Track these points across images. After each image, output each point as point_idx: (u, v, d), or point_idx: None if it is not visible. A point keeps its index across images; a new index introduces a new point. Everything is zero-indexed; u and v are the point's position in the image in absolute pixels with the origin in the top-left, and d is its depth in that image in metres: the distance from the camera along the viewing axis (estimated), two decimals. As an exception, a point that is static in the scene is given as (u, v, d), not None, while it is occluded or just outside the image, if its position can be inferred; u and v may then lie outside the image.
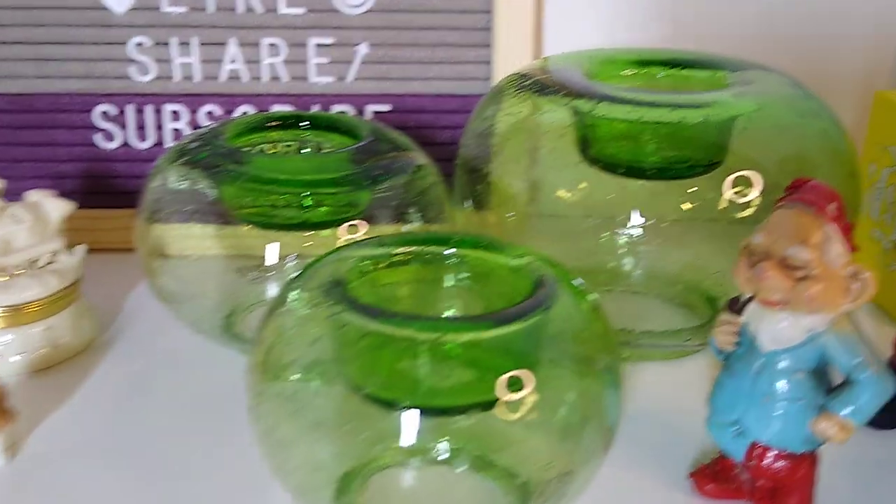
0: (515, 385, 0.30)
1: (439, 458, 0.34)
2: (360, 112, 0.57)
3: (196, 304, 0.45)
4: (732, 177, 0.41)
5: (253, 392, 0.31)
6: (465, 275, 0.35)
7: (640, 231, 0.45)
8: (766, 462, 0.34)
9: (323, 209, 0.44)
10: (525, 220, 0.47)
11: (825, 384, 0.33)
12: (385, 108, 0.57)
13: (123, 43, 0.55)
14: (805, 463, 0.34)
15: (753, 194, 0.41)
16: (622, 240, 0.46)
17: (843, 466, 0.38)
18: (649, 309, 0.49)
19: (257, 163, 0.43)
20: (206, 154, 0.43)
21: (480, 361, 0.31)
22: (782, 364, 0.33)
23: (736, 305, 0.34)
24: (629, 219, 0.45)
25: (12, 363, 0.43)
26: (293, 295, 0.31)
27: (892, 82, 0.63)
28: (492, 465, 0.35)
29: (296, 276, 0.32)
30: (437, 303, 0.35)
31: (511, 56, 0.56)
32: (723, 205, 0.41)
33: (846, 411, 0.32)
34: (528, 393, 0.30)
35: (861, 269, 0.31)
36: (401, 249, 0.34)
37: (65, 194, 0.52)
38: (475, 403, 0.31)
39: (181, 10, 0.55)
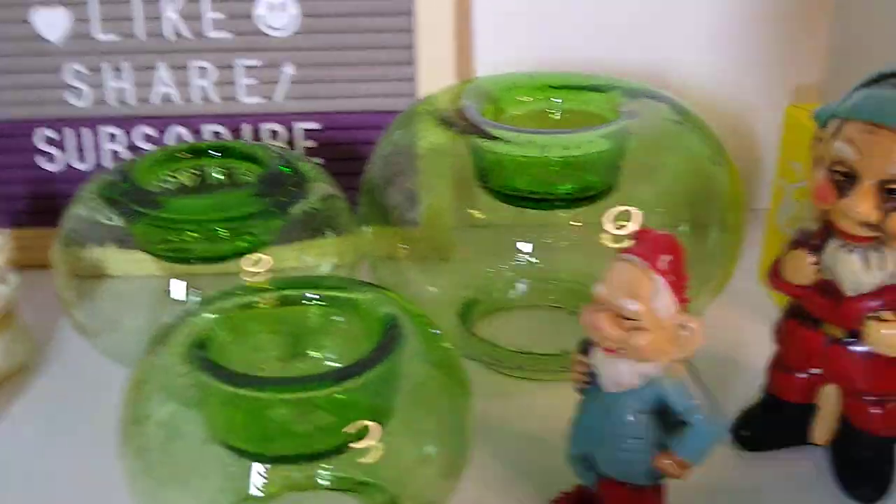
0: (363, 431, 0.33)
1: (318, 489, 0.37)
2: (290, 130, 0.59)
3: (119, 333, 0.48)
4: (611, 211, 0.43)
5: (119, 438, 0.33)
6: (331, 315, 0.37)
7: (532, 257, 0.47)
8: (614, 493, 0.36)
9: (232, 243, 0.46)
10: (425, 243, 0.49)
11: (666, 423, 0.35)
12: (314, 125, 0.59)
13: (59, 70, 0.57)
14: (649, 494, 0.36)
15: (632, 226, 0.43)
16: (520, 263, 0.48)
17: (704, 493, 0.40)
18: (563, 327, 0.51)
19: (166, 203, 0.45)
20: (117, 193, 0.45)
21: (334, 411, 0.33)
22: (625, 405, 0.35)
23: (587, 347, 0.36)
24: (522, 245, 0.47)
25: (-54, 388, 0.47)
26: (159, 351, 0.34)
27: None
28: (364, 488, 0.37)
29: (163, 331, 0.35)
30: (307, 344, 0.38)
31: (434, 73, 0.58)
32: (605, 238, 0.43)
33: (681, 451, 0.34)
34: (373, 439, 0.33)
35: (689, 320, 0.33)
36: (266, 296, 0.37)
37: (12, 215, 0.55)
38: (328, 450, 0.33)
39: (112, 37, 0.57)
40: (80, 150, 0.59)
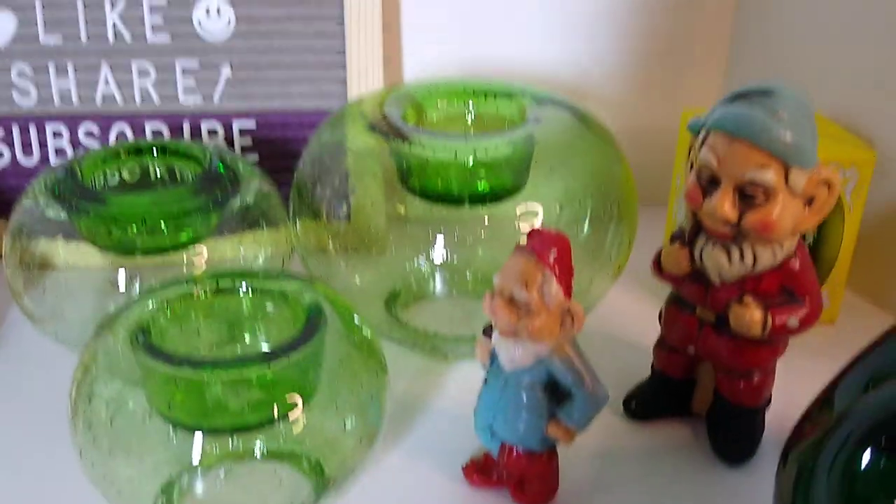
0: (290, 405, 0.37)
1: (255, 457, 0.41)
2: (228, 128, 0.63)
3: (67, 320, 0.51)
4: (519, 210, 0.48)
5: (69, 414, 0.37)
6: (262, 303, 0.42)
7: (450, 250, 0.52)
8: (512, 458, 0.41)
9: (172, 236, 0.50)
10: (353, 237, 0.53)
11: (556, 396, 0.40)
12: (250, 124, 0.63)
13: (7, 70, 0.60)
14: (543, 458, 0.41)
15: (538, 222, 0.48)
16: (436, 256, 0.53)
17: (592, 455, 0.45)
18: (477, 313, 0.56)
19: (109, 200, 0.48)
20: (62, 189, 0.49)
21: (264, 388, 0.38)
22: (520, 380, 0.40)
23: (490, 330, 0.41)
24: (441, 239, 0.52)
25: None
26: (105, 335, 0.38)
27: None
28: (291, 457, 0.42)
29: (108, 318, 0.39)
30: (241, 329, 0.42)
31: (364, 76, 0.62)
32: (516, 232, 0.48)
33: (567, 419, 0.40)
34: (298, 413, 0.37)
35: (573, 306, 0.38)
36: (203, 286, 0.41)
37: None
38: (260, 422, 0.38)
39: (56, 39, 0.60)
40: (27, 146, 0.62)
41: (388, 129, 0.49)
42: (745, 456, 0.45)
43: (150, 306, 0.39)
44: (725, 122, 0.39)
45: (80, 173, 0.50)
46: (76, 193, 0.49)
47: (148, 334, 0.37)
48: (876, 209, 0.57)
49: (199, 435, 0.37)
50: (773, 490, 0.32)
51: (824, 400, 0.33)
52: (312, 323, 0.38)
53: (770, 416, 0.46)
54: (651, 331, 0.48)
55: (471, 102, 0.53)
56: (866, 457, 0.28)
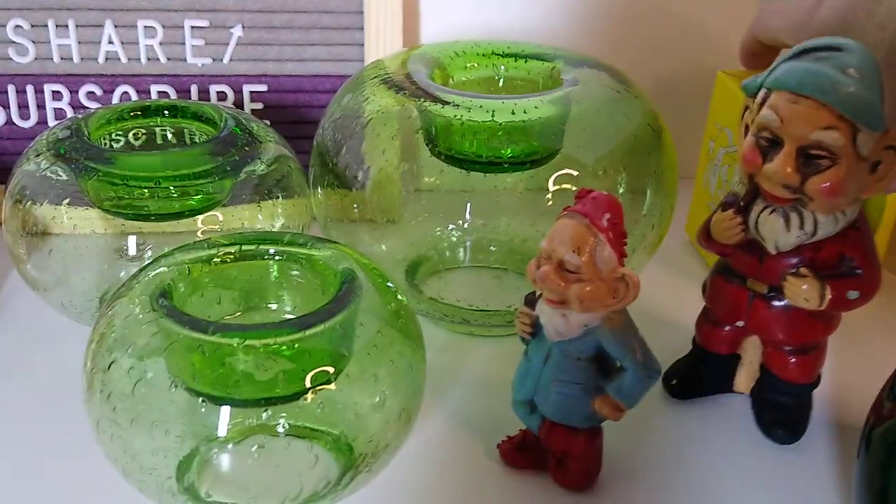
0: (323, 376, 0.35)
1: (278, 434, 0.39)
2: (238, 92, 0.60)
3: (68, 287, 0.48)
4: (554, 175, 0.45)
5: (84, 384, 0.34)
6: (289, 270, 0.39)
7: (478, 218, 0.49)
8: (554, 435, 0.39)
9: (183, 200, 0.47)
10: (374, 205, 0.50)
11: (604, 370, 0.38)
12: (262, 88, 0.60)
13: (2, 25, 0.57)
14: (587, 436, 0.39)
15: (574, 187, 0.46)
16: (466, 224, 0.50)
17: (632, 434, 0.43)
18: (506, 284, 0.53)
19: (118, 160, 0.45)
20: (67, 148, 0.46)
21: (294, 358, 0.35)
22: (566, 352, 0.37)
23: (532, 299, 0.39)
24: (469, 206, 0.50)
25: None
26: (122, 302, 0.35)
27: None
28: (322, 433, 0.39)
29: (124, 283, 0.36)
30: (266, 296, 0.39)
31: (382, 38, 0.59)
32: (552, 198, 0.46)
33: (617, 394, 0.37)
34: (331, 385, 0.35)
35: (627, 274, 0.36)
36: (229, 249, 0.38)
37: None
38: (289, 394, 0.35)
39: (56, -8, 0.57)
40: (23, 107, 0.58)
41: (414, 89, 0.46)
42: (796, 435, 0.43)
43: (170, 271, 0.36)
44: (790, 79, 0.37)
45: (85, 133, 0.47)
46: (83, 153, 0.45)
47: (170, 298, 0.34)
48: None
49: (225, 407, 0.34)
50: (856, 473, 0.30)
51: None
52: (347, 290, 0.35)
53: (815, 393, 0.44)
54: (687, 306, 0.46)
55: (501, 65, 0.50)
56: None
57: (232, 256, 0.38)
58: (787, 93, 0.37)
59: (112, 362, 0.34)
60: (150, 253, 0.47)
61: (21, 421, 0.43)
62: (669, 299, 0.52)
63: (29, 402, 0.44)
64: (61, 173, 0.46)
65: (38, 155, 0.47)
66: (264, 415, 0.37)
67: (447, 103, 0.45)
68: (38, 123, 0.59)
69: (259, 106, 0.60)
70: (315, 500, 0.36)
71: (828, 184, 0.37)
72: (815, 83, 0.36)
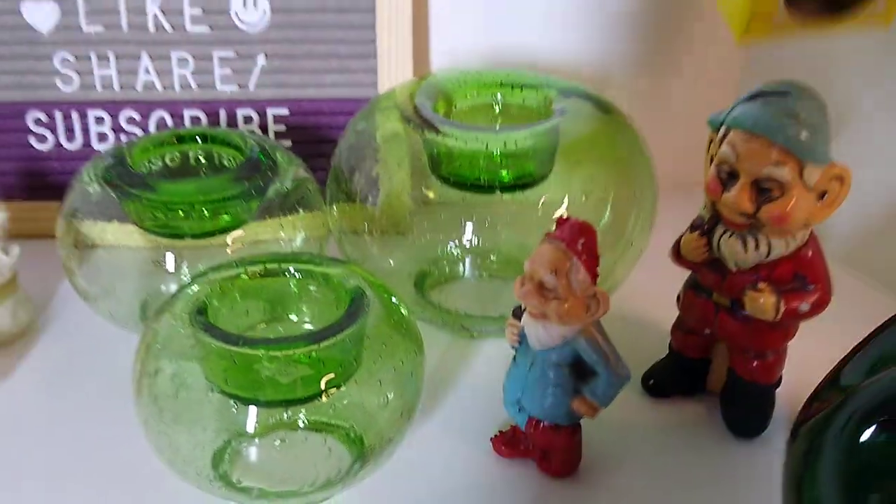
0: (336, 380, 0.40)
1: (298, 429, 0.45)
2: (262, 115, 0.65)
3: (114, 298, 0.54)
4: (544, 198, 0.51)
5: (133, 388, 0.40)
6: (307, 286, 0.44)
7: (477, 234, 0.55)
8: (539, 431, 0.44)
9: (215, 220, 0.53)
10: (384, 220, 0.56)
11: (580, 374, 0.43)
12: (284, 111, 0.65)
13: (49, 58, 0.63)
14: (568, 432, 0.44)
15: (562, 210, 0.51)
16: (466, 240, 0.56)
17: (612, 429, 0.48)
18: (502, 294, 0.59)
19: (158, 186, 0.51)
20: (113, 175, 0.52)
21: (312, 365, 0.41)
22: (547, 359, 0.43)
23: (519, 312, 0.44)
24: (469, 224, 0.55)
25: (-39, 348, 0.53)
26: (165, 317, 0.41)
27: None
28: (335, 428, 0.45)
29: (171, 296, 0.42)
30: (286, 309, 0.45)
31: (393, 66, 0.64)
32: (541, 219, 0.51)
33: (591, 396, 0.43)
34: (342, 388, 0.40)
35: (599, 292, 0.41)
36: (255, 268, 0.44)
37: (5, 189, 0.60)
38: (307, 396, 0.41)
39: (98, 28, 0.62)
40: (69, 131, 0.65)
41: (420, 121, 0.52)
42: (757, 430, 0.48)
43: (204, 289, 0.42)
44: (744, 120, 0.42)
45: (129, 160, 0.53)
46: (126, 180, 0.51)
47: (205, 314, 0.40)
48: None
49: (252, 407, 0.40)
50: (784, 462, 0.35)
51: (832, 380, 0.36)
52: (356, 306, 0.41)
53: (779, 393, 0.49)
54: (669, 313, 0.51)
55: (499, 94, 0.56)
56: (868, 433, 0.31)
57: (258, 274, 0.44)
58: (743, 132, 0.42)
59: (158, 370, 0.40)
60: (185, 266, 0.53)
61: (76, 419, 0.49)
62: (655, 306, 0.57)
63: (82, 400, 0.50)
64: (108, 197, 0.52)
65: (88, 180, 0.53)
66: (285, 414, 0.43)
67: (447, 135, 0.50)
68: (82, 146, 0.65)
69: (282, 128, 0.66)
70: (329, 486, 0.42)
71: (778, 212, 0.42)
72: (766, 124, 0.41)
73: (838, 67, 0.63)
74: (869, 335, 0.37)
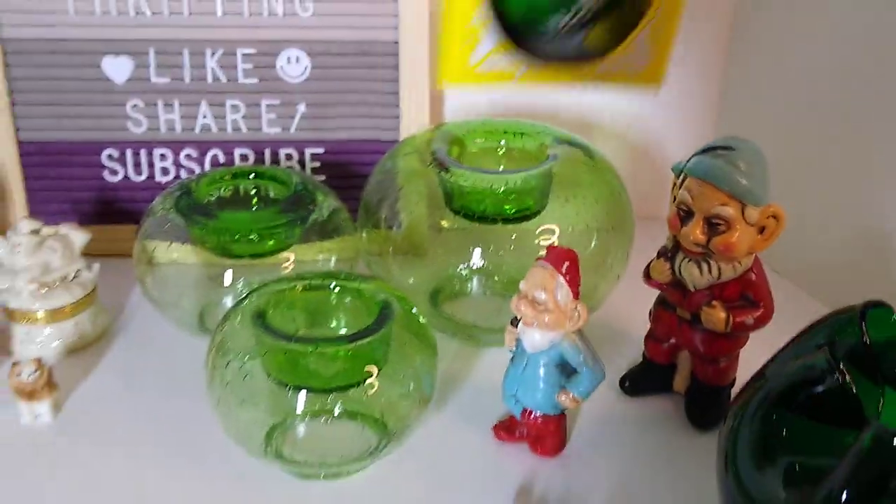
0: (367, 374, 0.50)
1: (335, 414, 0.54)
2: (301, 153, 0.76)
3: (179, 307, 0.64)
4: (540, 229, 0.61)
5: (207, 376, 0.51)
6: (344, 298, 0.55)
7: (483, 258, 0.65)
8: (531, 419, 0.54)
9: (265, 244, 0.63)
10: (405, 244, 0.66)
11: (565, 372, 0.53)
12: (320, 150, 0.76)
13: (123, 104, 0.74)
14: (556, 420, 0.54)
15: (555, 238, 0.61)
16: (475, 262, 0.66)
17: (595, 420, 0.58)
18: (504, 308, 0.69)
19: (218, 216, 0.62)
20: (182, 205, 0.62)
21: (348, 361, 0.51)
22: (538, 360, 0.53)
23: (516, 321, 0.54)
24: (476, 249, 0.66)
25: (53, 348, 0.63)
26: (232, 318, 0.51)
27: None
28: (365, 415, 0.55)
29: (237, 302, 0.52)
30: (327, 316, 0.55)
31: (413, 114, 0.75)
32: (538, 246, 0.61)
33: (574, 390, 0.52)
34: (374, 379, 0.50)
35: (580, 305, 0.51)
36: (302, 283, 0.54)
37: (81, 215, 0.71)
38: (345, 385, 0.51)
39: (165, 80, 0.73)
40: (137, 166, 0.75)
41: (436, 163, 0.62)
42: (714, 423, 0.57)
43: (262, 299, 0.52)
44: (697, 169, 0.52)
45: (194, 192, 0.63)
46: (192, 209, 0.62)
47: (264, 318, 0.50)
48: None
49: (301, 393, 0.50)
50: (717, 439, 0.45)
51: (760, 375, 0.46)
52: (384, 314, 0.51)
53: (733, 392, 0.58)
54: (643, 326, 0.61)
55: (502, 140, 0.66)
56: (776, 413, 0.41)
57: (305, 288, 0.54)
58: (696, 179, 0.52)
59: (228, 361, 0.50)
60: (240, 283, 0.63)
61: (147, 403, 0.59)
62: (632, 320, 0.67)
63: (151, 390, 0.60)
64: (176, 222, 0.62)
65: (160, 209, 0.63)
66: (328, 400, 0.53)
67: (459, 175, 0.60)
68: (147, 178, 0.76)
69: (318, 164, 0.76)
70: (360, 460, 0.52)
71: (725, 243, 0.52)
72: (714, 174, 0.51)
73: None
74: (791, 339, 0.47)
